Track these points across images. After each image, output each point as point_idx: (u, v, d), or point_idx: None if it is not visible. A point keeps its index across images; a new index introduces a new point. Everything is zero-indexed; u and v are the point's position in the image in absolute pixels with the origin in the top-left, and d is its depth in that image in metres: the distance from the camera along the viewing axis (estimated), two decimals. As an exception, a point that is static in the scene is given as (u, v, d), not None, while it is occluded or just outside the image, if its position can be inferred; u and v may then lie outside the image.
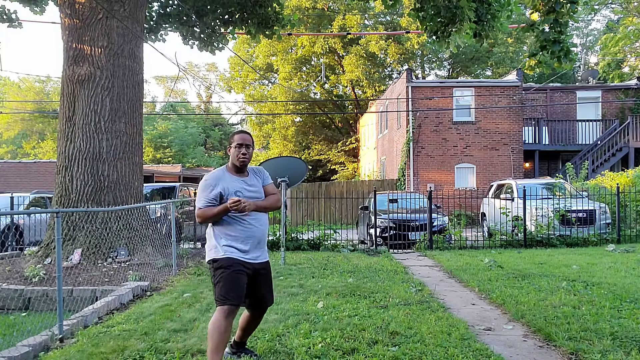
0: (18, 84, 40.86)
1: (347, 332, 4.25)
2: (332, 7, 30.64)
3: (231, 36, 11.83)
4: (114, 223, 7.93)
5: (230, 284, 3.23)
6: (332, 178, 31.08)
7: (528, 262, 8.29)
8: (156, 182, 21.38)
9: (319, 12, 30.25)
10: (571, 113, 21.30)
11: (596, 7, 30.37)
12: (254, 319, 3.61)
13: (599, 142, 19.20)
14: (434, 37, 7.99)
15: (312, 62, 32.14)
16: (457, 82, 20.89)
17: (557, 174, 16.66)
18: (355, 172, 31.09)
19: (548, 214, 10.84)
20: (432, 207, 10.85)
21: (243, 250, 3.32)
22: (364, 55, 28.46)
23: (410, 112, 18.98)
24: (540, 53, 7.00)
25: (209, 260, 3.38)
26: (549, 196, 12.04)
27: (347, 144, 31.21)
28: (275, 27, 11.09)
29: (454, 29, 7.54)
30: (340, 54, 30.93)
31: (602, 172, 16.04)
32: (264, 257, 3.47)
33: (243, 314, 3.64)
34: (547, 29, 6.95)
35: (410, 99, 19.14)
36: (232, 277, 3.24)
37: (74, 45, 8.26)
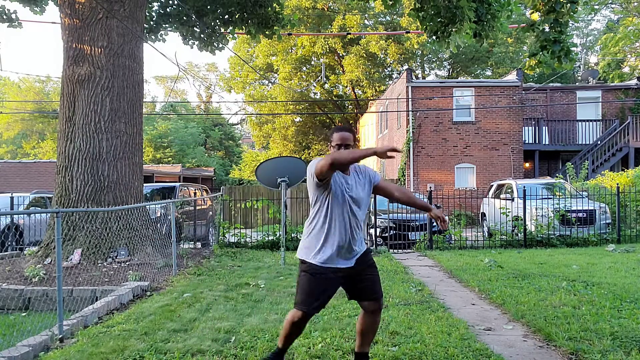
0: (18, 84, 40.86)
1: (347, 332, 4.25)
2: (332, 7, 30.63)
3: (231, 36, 11.83)
4: (114, 223, 7.92)
5: (308, 290, 3.14)
6: (332, 178, 31.02)
7: (528, 262, 8.29)
8: (156, 182, 21.37)
9: (319, 12, 30.24)
10: (571, 113, 21.30)
11: (596, 7, 30.36)
12: (366, 319, 3.27)
13: (599, 142, 19.20)
14: (434, 37, 7.99)
15: (312, 62, 32.13)
16: (457, 82, 20.89)
17: (557, 174, 16.67)
18: (355, 172, 31.03)
19: (548, 214, 10.83)
20: (432, 207, 10.84)
21: (329, 257, 3.14)
22: (364, 55, 28.46)
23: (410, 112, 18.98)
24: (541, 53, 7.01)
25: (300, 259, 3.27)
26: (549, 196, 12.04)
27: (347, 144, 31.16)
28: (275, 27, 11.09)
29: (454, 29, 7.54)
30: (340, 54, 30.92)
31: (602, 172, 16.04)
32: (354, 259, 3.21)
33: (359, 315, 3.37)
34: (547, 29, 6.95)
35: (410, 99, 19.14)
36: (312, 282, 3.14)
37: (74, 45, 8.26)
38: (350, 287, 3.28)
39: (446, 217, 3.14)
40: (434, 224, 10.99)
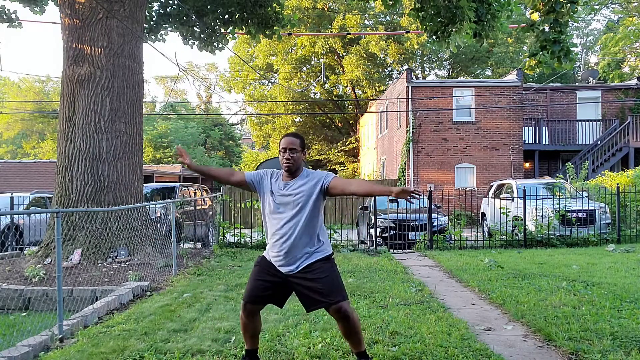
0: (18, 84, 40.86)
1: (347, 332, 4.24)
2: (332, 7, 30.62)
3: (231, 36, 11.82)
4: (114, 223, 7.92)
5: (249, 281, 3.36)
6: (332, 178, 30.99)
7: (528, 262, 8.29)
8: (156, 182, 21.37)
9: (319, 12, 30.23)
10: (571, 113, 21.30)
11: (596, 7, 30.37)
12: (339, 325, 3.26)
13: (599, 142, 19.20)
14: (434, 37, 7.99)
15: (312, 62, 32.13)
16: (457, 82, 20.88)
17: (557, 174, 16.67)
18: (355, 172, 31.09)
19: (548, 214, 10.83)
20: (432, 207, 10.85)
21: (272, 256, 3.29)
22: (364, 55, 28.46)
23: (410, 112, 18.98)
24: (541, 53, 7.00)
25: None
26: (549, 196, 12.04)
27: (347, 144, 31.21)
28: (275, 27, 11.09)
29: (454, 29, 7.54)
30: (340, 54, 30.92)
31: (602, 172, 16.04)
32: (298, 267, 3.21)
33: None
34: (547, 29, 6.95)
35: (410, 99, 19.14)
36: (252, 274, 3.36)
37: (74, 45, 8.26)
38: (300, 297, 3.30)
39: (411, 188, 2.98)
40: (434, 224, 11.00)
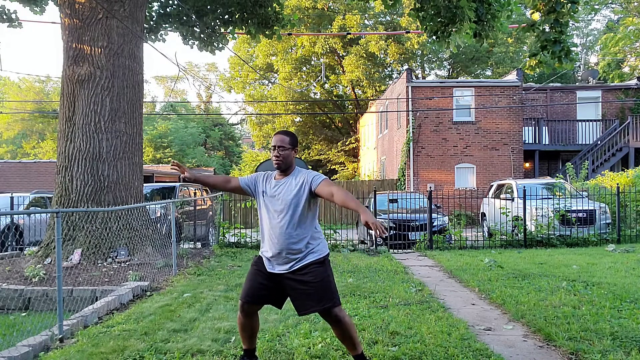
0: (18, 84, 40.85)
1: (347, 332, 4.24)
2: (332, 7, 30.62)
3: (231, 36, 11.83)
4: (114, 223, 7.92)
5: (246, 281, 3.36)
6: (332, 178, 31.07)
7: (528, 262, 8.29)
8: (156, 182, 21.37)
9: (319, 12, 30.22)
10: (571, 113, 21.30)
11: (596, 7, 30.36)
12: (333, 329, 3.30)
13: (599, 142, 19.20)
14: (434, 37, 7.99)
15: (312, 62, 32.12)
16: (457, 82, 20.88)
17: (557, 174, 16.66)
18: (355, 172, 31.09)
19: (548, 214, 10.83)
20: (432, 207, 10.85)
21: (265, 256, 3.32)
22: (364, 55, 28.45)
23: (410, 112, 18.98)
24: (541, 53, 7.00)
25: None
26: (549, 196, 12.04)
27: (347, 144, 31.20)
28: (275, 27, 11.09)
29: (454, 29, 7.55)
30: (340, 54, 30.91)
31: (602, 172, 16.04)
32: (291, 268, 3.21)
33: None
34: (547, 29, 6.95)
35: (410, 99, 19.14)
36: (249, 275, 3.36)
37: (74, 45, 8.26)
38: (292, 300, 3.29)
39: (383, 223, 2.98)
40: (434, 224, 11.00)
